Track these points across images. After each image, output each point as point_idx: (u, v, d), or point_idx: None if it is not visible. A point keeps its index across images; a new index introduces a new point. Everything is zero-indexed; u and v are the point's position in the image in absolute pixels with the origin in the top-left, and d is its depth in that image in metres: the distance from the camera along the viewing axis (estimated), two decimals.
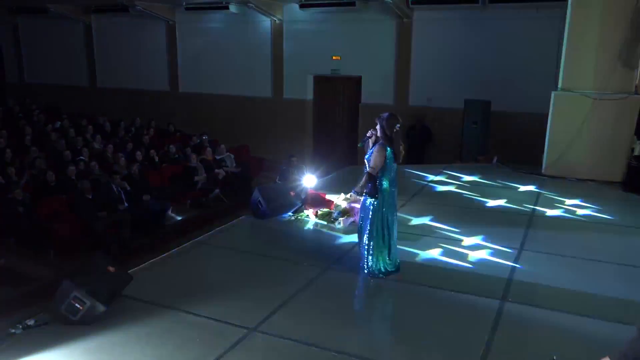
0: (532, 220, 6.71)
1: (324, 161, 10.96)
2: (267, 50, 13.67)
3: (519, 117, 10.95)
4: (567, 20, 8.68)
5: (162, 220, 9.03)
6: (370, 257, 4.93)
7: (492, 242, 5.82)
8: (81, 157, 9.88)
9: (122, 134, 12.35)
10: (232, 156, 11.42)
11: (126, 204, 8.56)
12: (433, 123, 11.98)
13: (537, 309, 4.42)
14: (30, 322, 4.11)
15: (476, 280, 4.97)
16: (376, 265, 4.95)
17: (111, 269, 4.49)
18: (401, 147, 4.87)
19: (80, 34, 16.10)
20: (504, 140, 10.98)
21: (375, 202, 4.81)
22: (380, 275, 4.95)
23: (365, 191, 4.84)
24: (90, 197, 8.23)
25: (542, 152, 9.13)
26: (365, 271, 4.98)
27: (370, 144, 4.86)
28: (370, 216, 4.86)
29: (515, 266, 5.24)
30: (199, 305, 4.43)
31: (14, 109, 13.81)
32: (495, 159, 9.93)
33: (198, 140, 12.10)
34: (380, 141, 4.75)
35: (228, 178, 10.75)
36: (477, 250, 5.65)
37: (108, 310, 4.25)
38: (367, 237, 4.90)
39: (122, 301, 4.47)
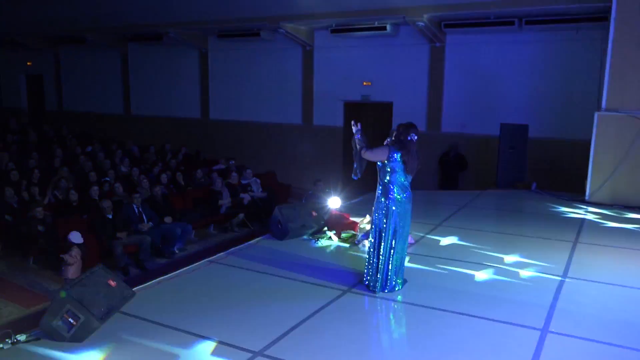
0: None
1: (354, 190, 10.60)
2: (298, 76, 13.57)
3: (558, 143, 10.38)
4: (610, 39, 8.21)
5: (182, 243, 8.78)
6: (372, 269, 4.78)
7: None
8: (106, 179, 9.81)
9: (151, 159, 12.32)
10: (259, 181, 11.17)
11: (150, 224, 8.37)
12: (467, 149, 11.49)
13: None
14: (21, 338, 3.82)
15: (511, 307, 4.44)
16: (377, 279, 4.74)
17: (112, 282, 4.18)
18: (417, 163, 4.73)
19: (117, 63, 16.45)
20: (542, 166, 10.39)
21: (383, 211, 4.69)
22: (377, 291, 4.74)
23: (356, 144, 4.76)
24: (111, 217, 8.05)
25: (583, 179, 8.54)
26: (369, 285, 4.81)
27: None
28: (377, 226, 4.74)
29: None
30: (202, 326, 4.07)
31: (49, 134, 14.05)
32: (534, 186, 9.35)
33: (225, 166, 11.95)
34: (391, 145, 4.67)
35: (253, 203, 10.48)
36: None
37: (104, 328, 3.93)
38: (374, 249, 4.77)
39: (121, 318, 4.14)
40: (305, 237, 6.44)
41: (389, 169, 4.66)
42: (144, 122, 16.14)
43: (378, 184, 4.79)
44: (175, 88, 15.54)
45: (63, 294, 3.73)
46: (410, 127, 4.65)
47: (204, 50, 14.71)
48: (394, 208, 4.65)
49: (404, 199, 4.69)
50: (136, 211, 8.37)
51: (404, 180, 4.69)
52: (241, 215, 10.04)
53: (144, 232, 8.18)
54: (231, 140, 14.59)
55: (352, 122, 4.94)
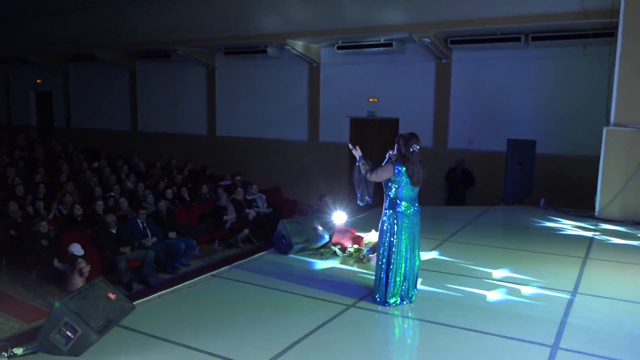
0: None
1: (362, 210, 10.49)
2: (304, 93, 13.60)
3: (566, 159, 10.28)
4: (618, 54, 8.17)
5: (187, 259, 8.70)
6: (382, 284, 4.64)
7: None
8: (111, 194, 9.79)
9: (157, 174, 12.32)
10: (264, 197, 11.13)
11: (154, 239, 8.32)
12: (474, 166, 11.39)
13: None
14: (18, 351, 3.75)
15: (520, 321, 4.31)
16: (386, 293, 4.62)
17: (112, 295, 4.11)
18: (423, 173, 4.63)
19: (125, 80, 16.57)
20: (550, 182, 10.27)
21: (392, 226, 4.58)
22: (388, 305, 4.62)
23: (358, 170, 4.74)
24: (114, 231, 8.01)
25: (592, 195, 8.42)
26: (377, 299, 4.68)
27: None
28: (386, 240, 4.62)
29: None
30: (203, 340, 3.97)
31: (56, 150, 14.12)
32: (542, 202, 9.22)
33: (230, 182, 11.92)
34: (393, 159, 4.58)
35: (258, 219, 10.42)
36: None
37: (103, 341, 3.85)
38: (383, 262, 4.63)
39: (120, 332, 4.06)
40: (309, 251, 6.36)
41: (395, 184, 4.59)
42: (151, 139, 16.21)
43: (385, 198, 4.72)
44: (182, 105, 15.62)
45: (57, 304, 3.67)
46: (410, 138, 4.57)
47: (211, 67, 14.81)
48: (402, 222, 4.57)
49: (412, 212, 4.61)
50: (140, 226, 8.33)
51: (412, 193, 4.62)
52: (246, 231, 9.98)
53: (147, 247, 8.13)
54: (238, 156, 14.58)
55: (350, 146, 4.88)
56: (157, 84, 15.99)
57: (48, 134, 18.27)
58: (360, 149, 4.86)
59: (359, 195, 4.90)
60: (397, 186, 4.58)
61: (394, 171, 4.54)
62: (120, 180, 11.19)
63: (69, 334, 3.66)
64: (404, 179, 4.57)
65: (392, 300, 4.61)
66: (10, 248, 8.36)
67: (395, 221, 4.57)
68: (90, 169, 11.94)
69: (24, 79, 19.00)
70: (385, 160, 4.71)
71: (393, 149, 4.70)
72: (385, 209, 4.67)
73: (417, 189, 4.65)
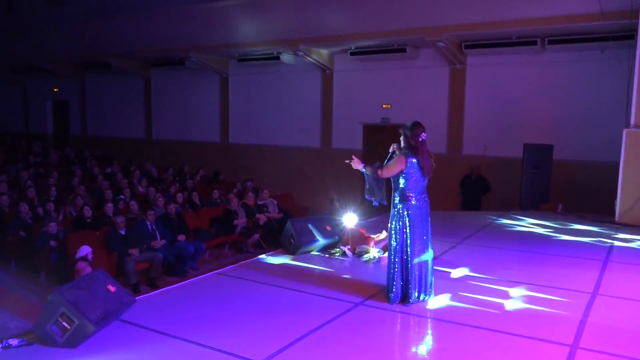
0: None
1: (371, 209, 10.31)
2: (317, 99, 13.52)
3: (584, 164, 10.02)
4: (637, 56, 7.95)
5: (196, 262, 8.59)
6: (397, 281, 4.46)
7: None
8: (121, 197, 9.76)
9: (169, 179, 12.30)
10: (275, 202, 11.01)
11: (163, 242, 8.23)
12: (489, 172, 11.15)
13: None
14: (14, 342, 3.63)
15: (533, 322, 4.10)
16: (403, 290, 4.46)
17: (112, 287, 4.00)
18: (432, 162, 4.51)
19: (140, 88, 16.67)
20: (568, 188, 10.00)
21: (404, 219, 4.41)
22: (408, 302, 4.43)
23: (367, 173, 4.62)
24: (123, 233, 7.94)
25: (611, 202, 8.15)
26: (392, 296, 4.47)
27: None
28: (399, 235, 4.45)
29: None
30: (204, 335, 3.83)
31: (70, 156, 14.20)
32: (560, 207, 8.96)
33: (242, 187, 11.84)
34: (404, 151, 4.41)
35: (269, 224, 10.28)
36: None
37: (101, 335, 3.73)
38: (393, 258, 4.46)
39: (120, 326, 3.94)
40: (318, 251, 6.20)
41: (406, 177, 4.43)
42: (165, 147, 16.23)
43: (394, 193, 4.55)
44: (196, 112, 15.64)
45: (49, 298, 3.56)
46: (415, 128, 4.38)
47: (224, 74, 14.83)
48: (414, 215, 4.41)
49: (423, 205, 4.47)
50: (149, 228, 8.25)
51: (422, 184, 4.47)
52: (256, 236, 9.84)
53: (156, 250, 8.04)
54: (251, 163, 14.51)
55: (347, 162, 4.74)
56: (171, 92, 16.05)
57: (64, 141, 18.43)
58: (374, 156, 4.76)
59: (372, 197, 4.78)
60: (408, 179, 4.42)
61: (406, 163, 4.37)
62: (131, 185, 11.18)
63: (66, 325, 3.55)
64: (417, 171, 4.41)
65: (411, 297, 4.42)
66: (20, 249, 8.34)
67: (408, 215, 4.40)
68: (103, 174, 11.96)
69: (41, 88, 19.23)
70: (390, 154, 4.57)
71: (398, 142, 4.56)
72: (396, 203, 4.51)
73: (426, 180, 4.51)
